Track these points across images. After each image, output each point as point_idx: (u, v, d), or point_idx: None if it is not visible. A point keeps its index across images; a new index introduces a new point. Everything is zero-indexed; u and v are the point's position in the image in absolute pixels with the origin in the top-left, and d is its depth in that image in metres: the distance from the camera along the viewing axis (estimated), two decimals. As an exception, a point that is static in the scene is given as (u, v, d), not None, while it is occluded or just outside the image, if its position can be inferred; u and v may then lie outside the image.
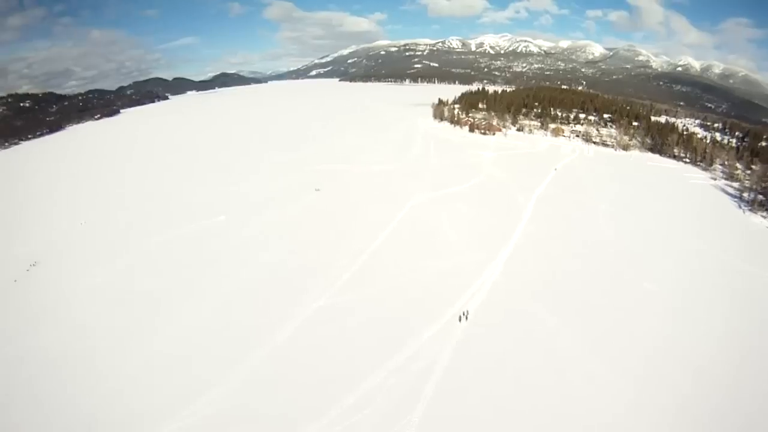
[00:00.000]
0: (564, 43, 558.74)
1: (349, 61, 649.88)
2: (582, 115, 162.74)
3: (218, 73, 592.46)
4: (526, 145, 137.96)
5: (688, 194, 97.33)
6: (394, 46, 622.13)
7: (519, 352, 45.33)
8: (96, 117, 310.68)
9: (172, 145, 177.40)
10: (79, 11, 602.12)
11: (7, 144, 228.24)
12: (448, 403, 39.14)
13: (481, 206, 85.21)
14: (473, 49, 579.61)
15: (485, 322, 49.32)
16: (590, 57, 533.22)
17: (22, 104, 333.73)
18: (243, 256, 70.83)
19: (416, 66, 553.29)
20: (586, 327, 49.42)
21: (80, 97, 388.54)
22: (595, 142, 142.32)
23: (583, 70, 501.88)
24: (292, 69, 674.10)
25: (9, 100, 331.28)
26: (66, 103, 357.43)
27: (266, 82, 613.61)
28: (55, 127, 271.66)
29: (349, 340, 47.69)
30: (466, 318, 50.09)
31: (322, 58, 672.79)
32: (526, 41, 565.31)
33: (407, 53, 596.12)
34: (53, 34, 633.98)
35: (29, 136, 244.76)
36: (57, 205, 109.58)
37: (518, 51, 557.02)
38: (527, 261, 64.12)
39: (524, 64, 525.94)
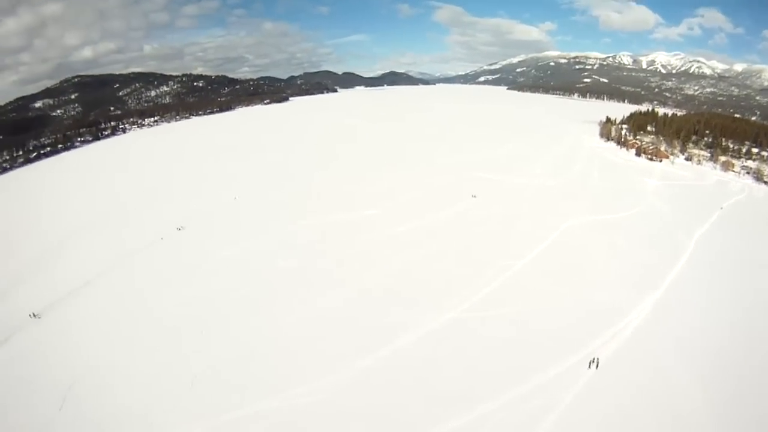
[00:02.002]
0: (739, 66, 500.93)
1: (518, 69, 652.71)
2: (755, 150, 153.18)
3: (387, 71, 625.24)
4: (692, 176, 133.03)
5: None
6: (564, 58, 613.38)
7: (645, 410, 42.24)
8: (265, 102, 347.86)
9: (340, 133, 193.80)
10: (252, 4, 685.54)
11: (178, 117, 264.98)
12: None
13: (637, 239, 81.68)
14: (644, 66, 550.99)
15: (616, 371, 46.65)
16: (766, 84, 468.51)
17: (195, 84, 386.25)
18: (387, 252, 74.54)
19: (585, 80, 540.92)
20: (726, 398, 43.76)
21: (251, 82, 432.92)
22: (766, 182, 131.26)
23: (757, 98, 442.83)
24: (460, 73, 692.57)
25: (183, 79, 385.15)
26: (237, 87, 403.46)
27: (434, 84, 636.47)
28: (225, 107, 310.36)
29: (471, 358, 48.20)
30: (596, 366, 47.54)
31: (491, 64, 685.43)
32: (699, 62, 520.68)
33: (577, 66, 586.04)
34: (228, 23, 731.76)
35: (200, 113, 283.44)
36: (219, 177, 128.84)
37: (690, 72, 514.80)
38: (677, 311, 58.45)
39: (696, 87, 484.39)
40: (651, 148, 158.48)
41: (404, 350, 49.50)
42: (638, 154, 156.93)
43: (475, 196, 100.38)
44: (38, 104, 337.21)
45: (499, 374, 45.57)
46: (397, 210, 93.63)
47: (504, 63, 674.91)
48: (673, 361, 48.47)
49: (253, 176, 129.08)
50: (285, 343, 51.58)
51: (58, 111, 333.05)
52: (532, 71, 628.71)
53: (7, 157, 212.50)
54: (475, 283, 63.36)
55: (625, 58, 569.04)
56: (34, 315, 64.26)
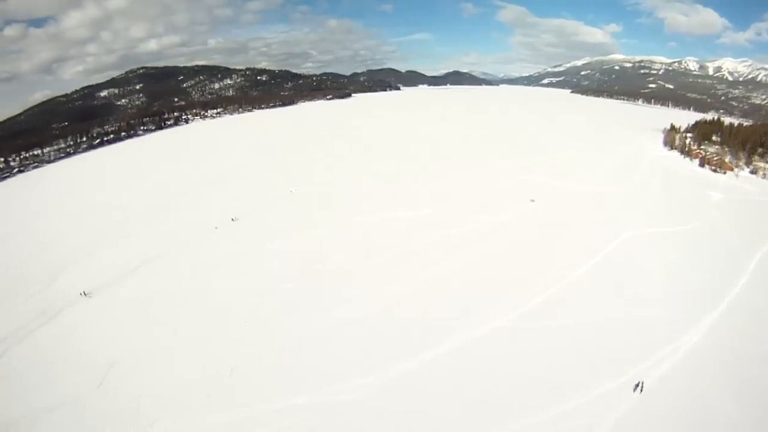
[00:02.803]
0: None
1: (582, 73, 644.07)
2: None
3: (451, 70, 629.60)
4: (757, 191, 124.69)
5: None
6: (629, 62, 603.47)
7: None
8: (327, 97, 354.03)
9: (401, 132, 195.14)
10: (316, 1, 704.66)
11: (241, 110, 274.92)
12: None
13: (695, 255, 77.29)
14: (710, 72, 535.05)
15: (661, 396, 44.35)
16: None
17: (259, 77, 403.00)
18: (439, 253, 73.68)
19: (650, 86, 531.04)
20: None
21: (314, 78, 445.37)
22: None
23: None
24: (524, 75, 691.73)
25: (247, 72, 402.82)
26: (300, 82, 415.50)
27: (497, 84, 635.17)
28: (287, 101, 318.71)
29: (514, 370, 46.96)
30: (641, 390, 45.30)
31: (554, 66, 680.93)
32: (767, 69, 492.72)
33: (642, 71, 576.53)
34: (291, 19, 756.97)
35: (262, 106, 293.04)
36: (277, 170, 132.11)
37: (758, 80, 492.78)
38: (731, 338, 54.16)
39: (764, 96, 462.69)
40: (715, 159, 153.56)
41: (447, 355, 48.67)
42: (702, 164, 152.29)
43: (533, 201, 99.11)
44: (103, 93, 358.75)
45: (540, 388, 44.57)
46: (452, 211, 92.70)
47: (568, 65, 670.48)
48: (722, 394, 45.45)
49: (311, 170, 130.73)
50: (327, 340, 51.63)
51: (123, 100, 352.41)
52: (597, 74, 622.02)
53: (72, 143, 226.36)
54: (526, 291, 61.87)
55: (691, 64, 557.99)
56: (84, 293, 67.01)
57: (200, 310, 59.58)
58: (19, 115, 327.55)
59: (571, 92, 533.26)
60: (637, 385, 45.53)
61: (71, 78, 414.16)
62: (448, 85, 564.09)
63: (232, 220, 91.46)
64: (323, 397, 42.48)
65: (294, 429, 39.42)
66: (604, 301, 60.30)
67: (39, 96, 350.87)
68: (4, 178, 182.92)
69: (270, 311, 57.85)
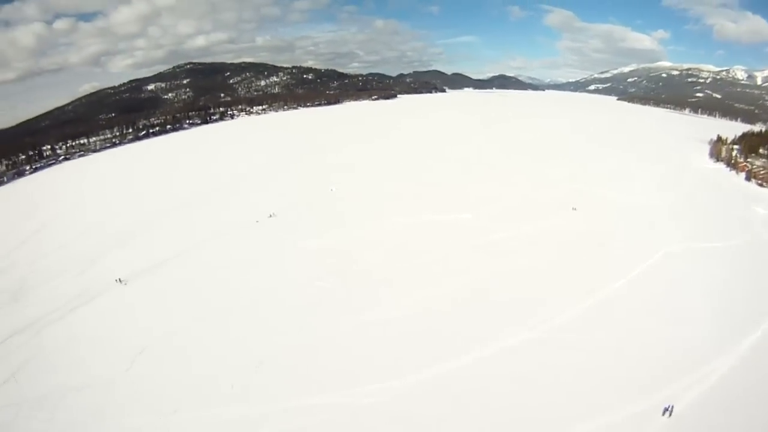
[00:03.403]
0: None
1: (629, 80, 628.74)
2: None
3: (496, 74, 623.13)
4: None
5: None
6: (676, 70, 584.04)
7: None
8: (373, 97, 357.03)
9: (445, 135, 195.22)
10: (363, 1, 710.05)
11: (286, 107, 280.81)
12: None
13: (738, 273, 73.45)
14: (759, 83, 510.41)
15: (691, 423, 42.35)
16: None
17: (305, 76, 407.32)
18: (477, 258, 73.16)
19: (697, 95, 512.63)
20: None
21: (360, 78, 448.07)
22: None
23: None
24: (570, 80, 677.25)
25: (293, 70, 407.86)
26: (346, 81, 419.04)
27: (543, 90, 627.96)
28: (333, 100, 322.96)
29: (540, 383, 45.92)
30: (670, 414, 43.56)
31: (601, 73, 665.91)
32: None
33: (689, 79, 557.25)
34: (338, 19, 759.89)
35: (308, 104, 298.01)
36: (319, 168, 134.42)
37: None
38: None
39: None
40: (762, 172, 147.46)
41: (473, 365, 48.07)
42: (748, 178, 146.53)
43: (575, 209, 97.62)
44: (150, 87, 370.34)
45: (564, 405, 43.30)
46: (492, 216, 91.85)
47: (615, 72, 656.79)
48: (754, 426, 43.34)
49: (352, 169, 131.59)
50: (354, 341, 51.81)
51: (170, 94, 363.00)
52: (644, 82, 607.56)
53: (117, 133, 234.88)
54: (559, 303, 60.62)
55: (740, 73, 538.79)
56: (120, 280, 69.35)
57: (232, 303, 60.67)
58: (67, 105, 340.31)
59: (618, 99, 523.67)
60: (666, 409, 44.19)
61: (119, 71, 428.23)
62: (494, 89, 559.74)
63: (270, 216, 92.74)
64: (346, 398, 42.63)
65: (315, 428, 39.66)
66: (639, 318, 58.88)
67: (87, 87, 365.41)
68: (50, 165, 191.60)
69: (300, 308, 58.38)
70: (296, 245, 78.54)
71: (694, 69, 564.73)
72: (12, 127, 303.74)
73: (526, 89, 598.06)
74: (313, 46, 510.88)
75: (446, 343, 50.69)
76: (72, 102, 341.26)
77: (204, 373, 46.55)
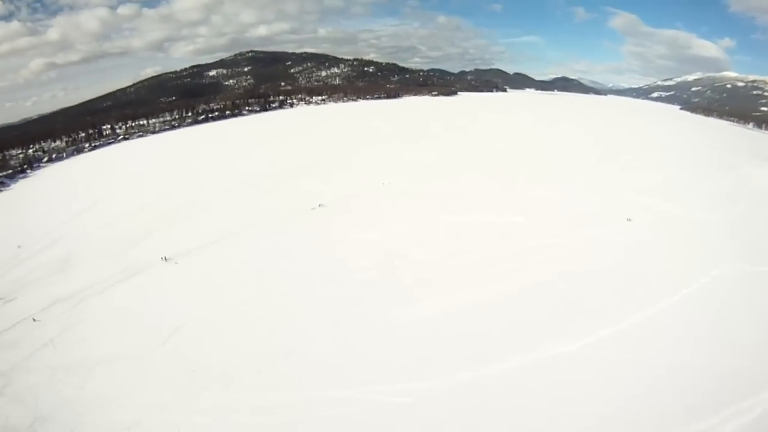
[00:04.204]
0: None
1: (693, 89, 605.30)
2: None
3: (559, 76, 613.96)
4: None
5: None
6: (741, 81, 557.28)
7: None
8: (433, 93, 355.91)
9: (505, 134, 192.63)
10: None
11: (345, 98, 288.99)
12: None
13: None
14: None
15: None
16: None
17: (366, 69, 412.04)
18: (523, 263, 71.89)
19: (762, 108, 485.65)
20: None
21: (421, 73, 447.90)
22: None
23: None
24: (633, 86, 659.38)
25: (354, 63, 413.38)
26: (407, 76, 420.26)
27: (606, 95, 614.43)
28: (392, 94, 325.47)
29: (566, 401, 44.38)
30: None
31: (665, 80, 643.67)
32: None
33: (754, 92, 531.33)
34: (401, 13, 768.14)
35: (367, 97, 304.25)
36: (374, 161, 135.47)
37: None
38: None
39: None
40: None
41: (506, 373, 47.07)
42: None
43: (629, 220, 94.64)
44: (212, 73, 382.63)
45: (595, 426, 42.06)
46: (544, 221, 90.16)
47: (679, 80, 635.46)
48: None
49: (406, 164, 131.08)
50: (390, 337, 51.80)
51: (231, 81, 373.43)
52: (708, 92, 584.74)
53: (177, 116, 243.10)
54: (605, 317, 58.60)
55: None
56: (165, 259, 72.03)
57: (271, 289, 61.82)
58: (129, 87, 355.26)
59: (680, 109, 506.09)
60: None
61: (181, 57, 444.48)
62: (555, 91, 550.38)
63: (319, 206, 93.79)
64: (369, 395, 42.71)
65: (338, 420, 39.91)
66: (682, 341, 55.95)
67: (149, 71, 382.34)
68: (109, 144, 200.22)
69: (339, 300, 58.83)
70: (342, 236, 79.26)
71: (760, 81, 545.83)
72: (74, 106, 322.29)
73: (588, 93, 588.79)
74: (375, 39, 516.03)
75: (479, 349, 50.08)
76: (134, 84, 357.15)
77: (234, 357, 47.61)
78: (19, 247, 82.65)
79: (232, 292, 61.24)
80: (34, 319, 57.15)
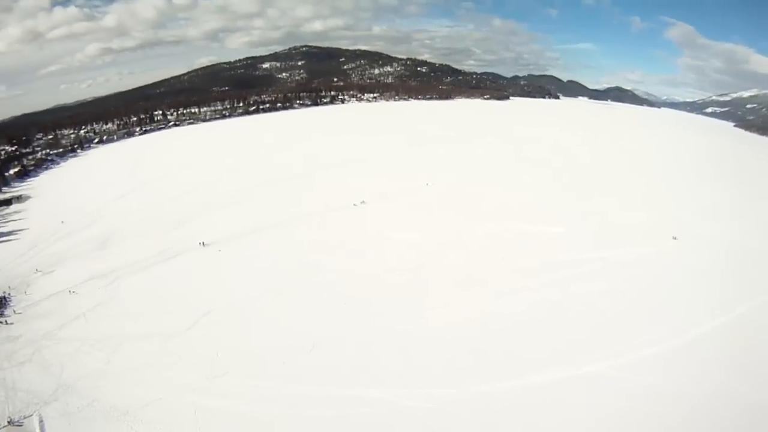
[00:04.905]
0: None
1: (748, 105, 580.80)
2: None
3: (613, 86, 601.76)
4: None
5: None
6: None
7: None
8: (485, 97, 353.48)
9: (556, 143, 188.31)
10: None
11: (397, 97, 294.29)
12: None
13: None
14: None
15: None
16: None
17: (419, 68, 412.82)
18: (559, 277, 69.61)
19: None
20: None
21: (474, 76, 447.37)
22: None
23: None
24: (687, 100, 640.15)
25: (408, 62, 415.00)
26: (460, 78, 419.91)
27: (659, 107, 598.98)
28: (444, 95, 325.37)
29: (594, 423, 43.04)
30: None
31: (720, 95, 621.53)
32: None
33: None
34: (456, 15, 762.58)
35: (419, 97, 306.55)
36: (419, 161, 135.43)
37: None
38: None
39: None
40: None
41: (532, 388, 45.78)
42: None
43: (675, 238, 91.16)
44: (266, 65, 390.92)
45: None
46: (585, 233, 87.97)
47: (734, 95, 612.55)
48: None
49: (452, 166, 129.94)
50: (417, 340, 51.40)
51: (284, 74, 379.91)
52: (764, 110, 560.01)
53: (228, 106, 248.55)
54: (641, 339, 56.25)
55: None
56: (203, 244, 73.79)
57: (305, 282, 62.25)
58: (183, 75, 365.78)
59: (734, 126, 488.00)
60: None
61: (236, 48, 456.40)
62: (609, 101, 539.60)
63: (362, 202, 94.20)
64: (390, 397, 42.49)
65: (351, 418, 39.82)
66: (721, 370, 52.86)
67: (204, 60, 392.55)
68: (160, 129, 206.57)
69: (371, 298, 58.79)
70: (378, 235, 79.31)
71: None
72: (128, 91, 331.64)
73: (641, 104, 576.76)
74: (429, 39, 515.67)
75: (507, 361, 49.02)
76: (188, 73, 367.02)
77: (260, 345, 48.21)
78: (62, 222, 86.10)
79: (266, 282, 61.95)
80: (70, 291, 59.32)
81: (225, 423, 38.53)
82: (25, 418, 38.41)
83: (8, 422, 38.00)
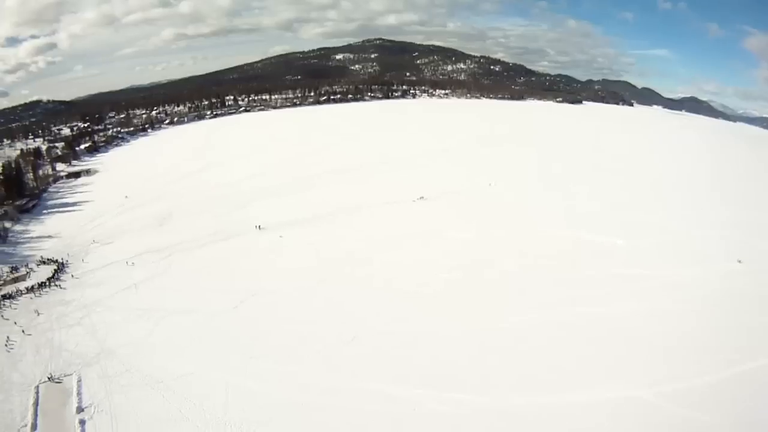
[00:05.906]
0: None
1: None
2: None
3: (688, 96, 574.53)
4: None
5: None
6: None
7: None
8: (557, 99, 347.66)
9: (629, 153, 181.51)
10: None
11: (469, 95, 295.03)
12: None
13: None
14: None
15: None
16: None
17: (492, 67, 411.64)
18: (613, 293, 66.22)
19: None
20: None
21: (548, 77, 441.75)
22: None
23: None
24: (764, 115, 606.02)
25: (481, 60, 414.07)
26: (533, 79, 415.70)
27: (735, 121, 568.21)
28: (516, 96, 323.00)
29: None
30: None
31: None
32: None
33: None
34: (530, 14, 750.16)
35: (490, 96, 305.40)
36: (484, 162, 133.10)
37: None
38: None
39: None
40: None
41: (566, 407, 43.41)
42: None
43: (740, 262, 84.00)
44: (339, 56, 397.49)
45: None
46: (647, 248, 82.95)
47: None
48: None
49: (518, 168, 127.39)
50: (454, 345, 50.02)
51: (356, 66, 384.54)
52: None
53: (299, 95, 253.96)
54: (692, 367, 51.98)
55: None
56: (259, 227, 75.96)
57: (355, 274, 62.65)
58: (257, 62, 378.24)
59: None
60: None
61: (309, 38, 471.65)
62: (683, 111, 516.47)
63: (420, 198, 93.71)
64: (420, 398, 41.77)
65: (384, 415, 39.53)
66: (756, 410, 48.00)
67: (278, 49, 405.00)
68: (230, 114, 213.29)
69: (417, 296, 57.98)
70: (434, 232, 78.44)
71: None
72: (201, 75, 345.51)
73: (717, 117, 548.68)
74: (504, 38, 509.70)
75: (546, 376, 46.98)
76: (261, 60, 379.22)
77: (299, 332, 48.61)
78: (126, 197, 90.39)
79: (314, 271, 62.52)
80: (127, 263, 62.27)
81: (252, 403, 38.89)
82: (65, 376, 40.41)
83: (48, 378, 40.03)
